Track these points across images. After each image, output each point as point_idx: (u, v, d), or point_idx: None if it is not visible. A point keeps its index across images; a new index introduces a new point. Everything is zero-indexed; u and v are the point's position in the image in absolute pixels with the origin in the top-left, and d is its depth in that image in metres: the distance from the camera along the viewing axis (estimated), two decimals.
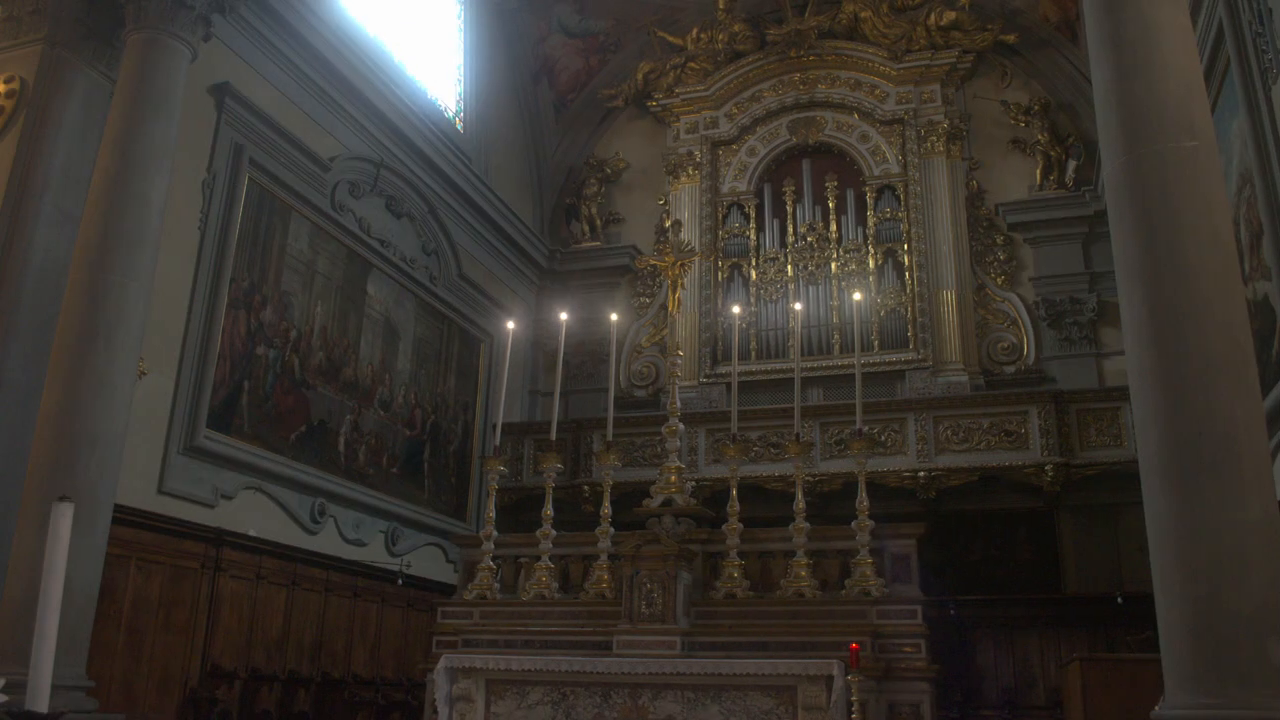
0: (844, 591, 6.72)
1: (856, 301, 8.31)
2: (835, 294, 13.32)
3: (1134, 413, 4.65)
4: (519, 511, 12.43)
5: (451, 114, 13.33)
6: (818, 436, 12.00)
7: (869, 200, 13.57)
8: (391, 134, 11.40)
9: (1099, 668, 6.09)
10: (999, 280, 13.06)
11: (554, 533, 7.44)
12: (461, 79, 13.70)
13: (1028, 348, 12.66)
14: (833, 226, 13.64)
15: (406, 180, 11.69)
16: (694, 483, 8.78)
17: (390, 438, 11.31)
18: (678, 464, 7.56)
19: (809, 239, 13.70)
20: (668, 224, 13.81)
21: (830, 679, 5.92)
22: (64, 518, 3.47)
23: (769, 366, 13.16)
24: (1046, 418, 11.36)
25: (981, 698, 10.13)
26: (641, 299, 14.56)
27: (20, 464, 6.72)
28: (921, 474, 11.55)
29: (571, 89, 15.45)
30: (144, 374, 7.69)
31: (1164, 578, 4.27)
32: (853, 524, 6.84)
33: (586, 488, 12.34)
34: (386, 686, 9.75)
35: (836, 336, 13.15)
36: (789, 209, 13.94)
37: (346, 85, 10.61)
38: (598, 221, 14.94)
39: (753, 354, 13.36)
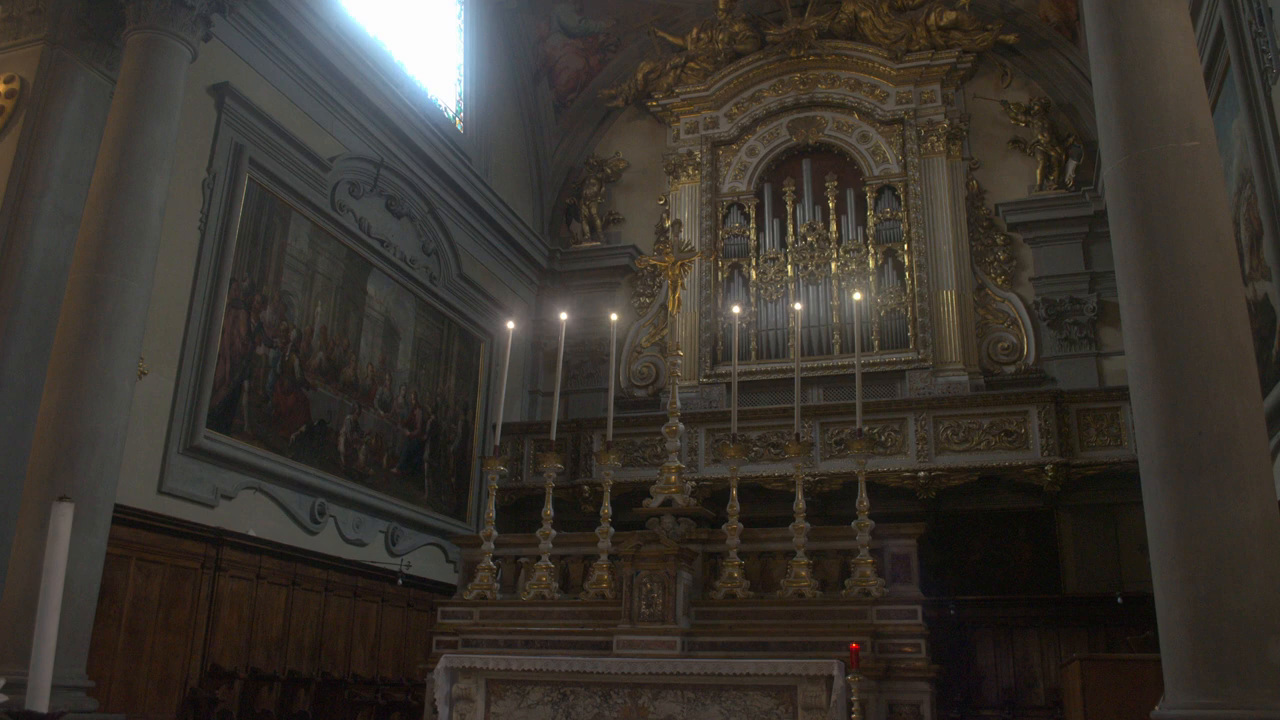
0: (844, 591, 6.73)
1: (856, 301, 8.31)
2: (835, 294, 13.32)
3: (1134, 413, 4.64)
4: (519, 511, 12.43)
5: (451, 114, 13.33)
6: (818, 436, 12.00)
7: (869, 200, 13.58)
8: (391, 134, 11.40)
9: (1099, 668, 6.09)
10: (999, 280, 13.06)
11: (554, 533, 7.44)
12: (461, 79, 13.70)
13: (1028, 348, 12.66)
14: (833, 226, 13.64)
15: (406, 180, 11.69)
16: (694, 483, 8.79)
17: (390, 438, 11.31)
18: (678, 464, 7.57)
19: (809, 239, 13.70)
20: (668, 224, 13.82)
21: (830, 679, 5.92)
22: (64, 518, 3.46)
23: (769, 366, 13.16)
24: (1046, 418, 11.36)
25: (981, 698, 10.14)
26: (641, 299, 14.56)
27: (20, 464, 6.72)
28: (921, 474, 11.55)
29: (571, 89, 15.45)
30: (144, 374, 7.69)
31: (1164, 578, 4.26)
32: (853, 524, 6.85)
33: (586, 488, 12.35)
34: (386, 686, 9.75)
35: (836, 336, 13.15)
36: (789, 209, 13.94)
37: (346, 85, 10.61)
38: (598, 221, 14.94)
39: (753, 354, 13.36)
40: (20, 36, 7.86)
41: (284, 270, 9.84)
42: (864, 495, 6.91)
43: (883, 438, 11.81)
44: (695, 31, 14.68)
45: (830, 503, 11.58)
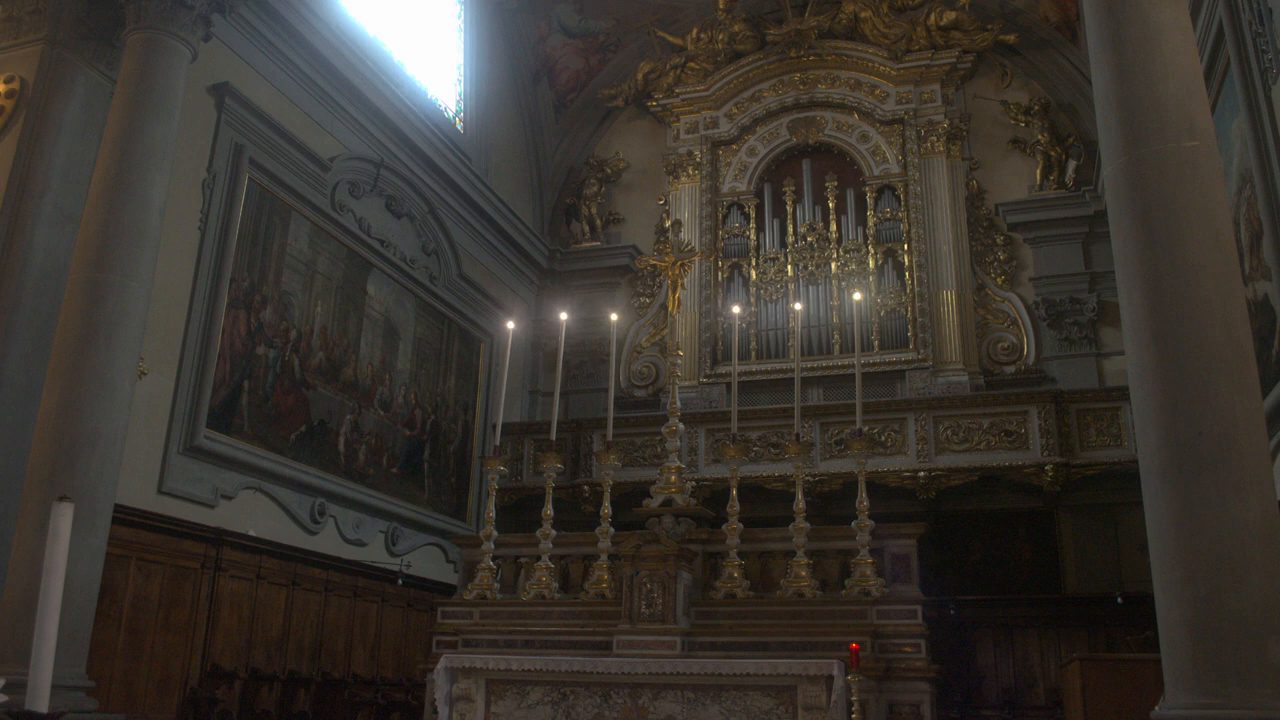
0: (844, 591, 6.73)
1: (856, 301, 8.31)
2: (835, 294, 13.32)
3: (1134, 413, 4.64)
4: (519, 511, 12.43)
5: (451, 114, 13.33)
6: (818, 436, 12.00)
7: (869, 200, 13.58)
8: (391, 134, 11.39)
9: (1099, 668, 6.09)
10: (999, 280, 13.06)
11: (554, 533, 7.44)
12: (461, 79, 13.70)
13: (1028, 348, 12.66)
14: (833, 226, 13.64)
15: (406, 180, 11.69)
16: (694, 483, 8.79)
17: (390, 438, 11.31)
18: (678, 464, 7.57)
19: (809, 239, 13.70)
20: (668, 224, 13.82)
21: (830, 679, 5.92)
22: (64, 518, 3.46)
23: (769, 366, 13.16)
24: (1046, 418, 11.36)
25: (981, 698, 10.15)
26: (641, 299, 14.56)
27: (20, 464, 6.72)
28: (921, 474, 11.55)
29: (571, 89, 15.45)
30: (144, 374, 7.69)
31: (1164, 578, 4.26)
32: (853, 524, 6.85)
33: (586, 488, 12.35)
34: (386, 686, 9.75)
35: (836, 336, 13.15)
36: (789, 209, 13.94)
37: (346, 85, 10.61)
38: (598, 221, 14.94)
39: (753, 354, 13.36)
40: (20, 36, 7.86)
41: (284, 270, 9.84)
42: (864, 495, 6.91)
43: (883, 438, 11.81)
44: (695, 31, 14.68)
45: (830, 503, 11.58)
